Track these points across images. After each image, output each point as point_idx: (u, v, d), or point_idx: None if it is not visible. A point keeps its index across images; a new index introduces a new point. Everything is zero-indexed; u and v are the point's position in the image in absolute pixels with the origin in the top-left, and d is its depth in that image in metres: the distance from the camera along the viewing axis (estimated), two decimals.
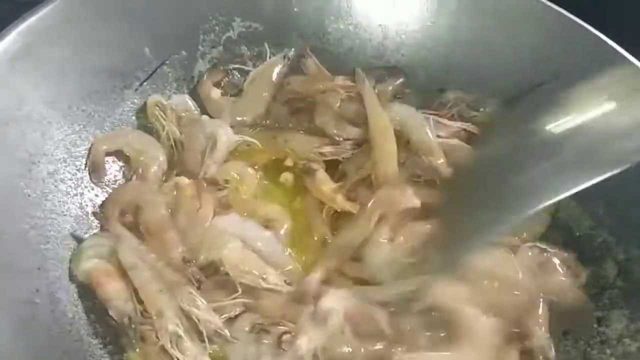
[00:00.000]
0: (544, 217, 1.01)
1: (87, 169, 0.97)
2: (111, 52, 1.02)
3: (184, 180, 0.95)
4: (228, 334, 0.78)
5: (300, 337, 0.77)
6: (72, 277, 0.86)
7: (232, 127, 1.06)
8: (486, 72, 1.12)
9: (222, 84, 1.14)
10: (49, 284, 0.84)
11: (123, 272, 0.84)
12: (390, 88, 1.14)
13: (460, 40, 1.14)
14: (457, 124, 1.07)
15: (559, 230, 1.00)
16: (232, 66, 1.15)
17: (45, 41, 0.93)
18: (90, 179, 0.97)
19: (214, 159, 1.00)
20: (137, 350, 0.79)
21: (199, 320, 0.78)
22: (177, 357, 0.76)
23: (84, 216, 0.94)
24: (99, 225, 0.95)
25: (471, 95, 1.13)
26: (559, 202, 1.00)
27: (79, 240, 0.91)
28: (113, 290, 0.83)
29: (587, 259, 0.95)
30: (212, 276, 0.86)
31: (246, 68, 1.16)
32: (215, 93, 1.11)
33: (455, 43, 1.14)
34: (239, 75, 1.16)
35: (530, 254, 0.90)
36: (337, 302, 0.81)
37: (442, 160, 1.01)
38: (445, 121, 1.07)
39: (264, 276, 0.85)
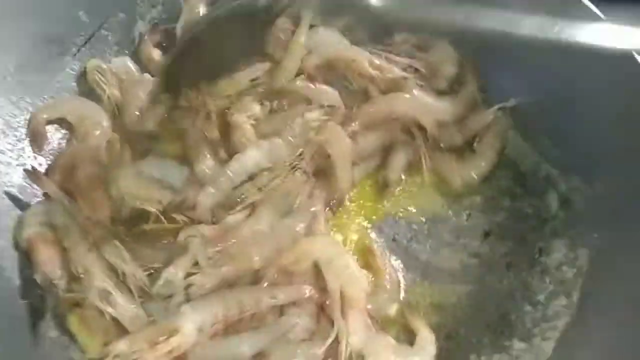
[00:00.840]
0: (491, 155, 1.02)
1: (27, 138, 0.97)
2: (44, 18, 1.00)
3: (115, 136, 0.97)
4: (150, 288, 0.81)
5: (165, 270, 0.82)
6: (16, 246, 0.87)
7: None
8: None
9: (163, 45, 1.13)
10: None
11: (60, 240, 0.85)
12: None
13: None
14: (405, 60, 1.07)
15: (505, 166, 1.01)
16: (172, 25, 1.13)
17: None
18: (32, 149, 0.97)
19: (154, 115, 1.00)
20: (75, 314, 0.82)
21: (124, 274, 0.80)
22: (108, 312, 0.78)
23: (27, 186, 0.94)
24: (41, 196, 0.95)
25: (419, 36, 1.11)
26: (507, 139, 1.04)
27: (23, 209, 0.91)
28: (45, 255, 0.84)
29: (531, 193, 0.97)
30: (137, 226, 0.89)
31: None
32: (157, 54, 1.09)
33: None
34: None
35: None
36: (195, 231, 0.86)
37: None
38: (391, 56, 1.06)
39: (160, 199, 0.89)
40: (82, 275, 0.81)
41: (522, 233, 0.93)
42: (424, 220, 0.97)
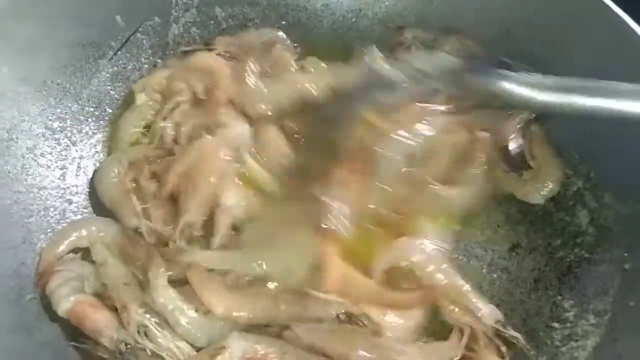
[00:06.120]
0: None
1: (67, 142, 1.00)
2: (82, 23, 1.02)
3: None
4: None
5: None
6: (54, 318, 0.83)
7: None
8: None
9: None
10: (35, 256, 0.87)
11: (103, 299, 0.83)
12: None
13: None
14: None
15: None
16: None
17: (13, 18, 0.93)
18: None
19: None
20: None
21: (154, 302, 0.78)
22: (149, 348, 0.76)
23: (65, 187, 0.97)
24: (79, 196, 0.98)
25: (429, 33, 1.11)
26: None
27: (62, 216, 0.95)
28: (102, 319, 0.79)
29: (561, 208, 0.97)
30: None
31: None
32: None
33: None
34: None
35: None
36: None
37: None
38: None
39: None
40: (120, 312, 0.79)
41: (551, 249, 0.93)
42: None
